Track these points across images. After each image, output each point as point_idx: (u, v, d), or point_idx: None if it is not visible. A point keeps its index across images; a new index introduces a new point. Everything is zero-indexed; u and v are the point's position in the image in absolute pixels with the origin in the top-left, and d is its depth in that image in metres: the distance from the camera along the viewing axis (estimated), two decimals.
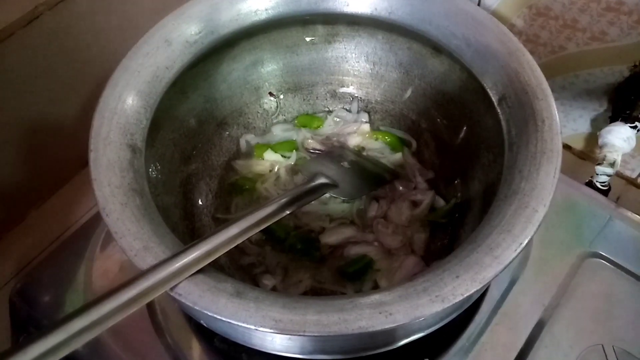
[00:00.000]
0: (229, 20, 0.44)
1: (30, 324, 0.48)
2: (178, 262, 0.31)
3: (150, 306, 0.47)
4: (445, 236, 0.48)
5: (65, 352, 0.26)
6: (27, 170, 0.57)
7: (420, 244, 0.47)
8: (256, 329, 0.29)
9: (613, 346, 0.44)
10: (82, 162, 0.60)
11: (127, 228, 0.32)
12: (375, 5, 0.46)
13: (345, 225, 0.49)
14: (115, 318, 0.28)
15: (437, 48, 0.47)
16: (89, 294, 0.48)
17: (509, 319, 0.45)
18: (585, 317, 0.45)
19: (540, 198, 0.32)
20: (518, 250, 0.31)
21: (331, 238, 0.48)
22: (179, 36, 0.42)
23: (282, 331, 0.29)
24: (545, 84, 0.38)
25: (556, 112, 0.37)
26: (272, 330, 0.29)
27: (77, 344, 0.26)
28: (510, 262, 0.31)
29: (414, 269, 0.44)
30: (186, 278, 0.30)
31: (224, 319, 0.29)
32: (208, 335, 0.45)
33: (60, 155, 0.59)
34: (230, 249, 0.34)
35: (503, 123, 0.39)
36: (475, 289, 0.30)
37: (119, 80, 0.39)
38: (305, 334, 0.28)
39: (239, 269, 0.46)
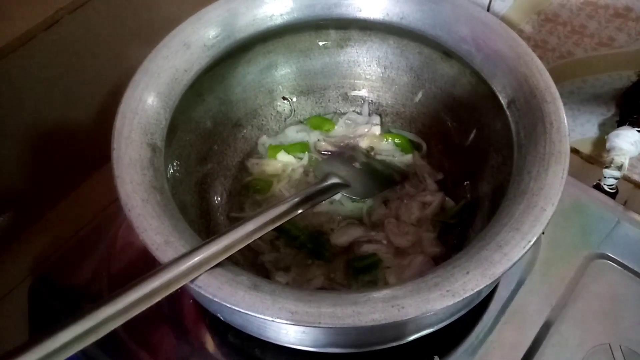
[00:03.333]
0: (245, 24, 0.46)
1: (48, 321, 0.49)
2: (198, 256, 0.32)
3: (164, 301, 0.48)
4: (455, 236, 0.48)
5: (92, 339, 0.27)
6: (44, 170, 0.58)
7: (429, 243, 0.48)
8: (273, 320, 0.30)
9: (620, 345, 0.44)
10: (97, 163, 0.62)
11: (149, 223, 0.33)
12: (387, 10, 0.47)
13: (354, 225, 0.50)
14: (139, 308, 0.29)
15: (447, 53, 0.48)
16: (104, 291, 0.49)
17: (516, 319, 0.46)
18: (593, 317, 0.46)
19: (548, 197, 0.33)
20: (527, 248, 0.32)
21: (341, 239, 0.48)
22: (197, 40, 0.44)
23: (298, 323, 0.30)
24: (553, 88, 0.39)
25: (564, 114, 0.38)
26: (288, 322, 0.30)
27: (103, 332, 0.27)
28: (519, 259, 0.32)
29: (423, 268, 0.45)
30: (205, 271, 0.32)
31: (242, 310, 0.30)
32: (222, 330, 0.46)
33: (76, 156, 0.60)
34: (244, 247, 0.35)
35: (512, 126, 0.40)
36: (484, 285, 0.30)
37: (139, 82, 0.40)
38: (321, 325, 0.29)
39: (253, 265, 0.47)
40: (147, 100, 0.40)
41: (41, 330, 0.49)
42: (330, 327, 0.29)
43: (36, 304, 0.50)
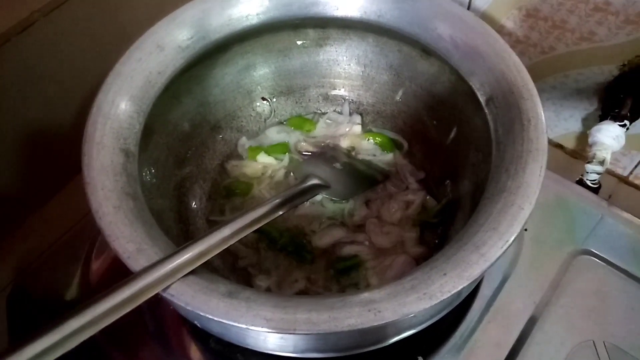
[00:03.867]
0: (220, 25, 0.45)
1: (27, 328, 0.49)
2: (171, 264, 0.31)
3: (145, 308, 0.47)
4: (437, 235, 0.48)
5: (59, 352, 0.26)
6: (24, 176, 0.58)
7: (411, 243, 0.47)
8: (247, 328, 0.29)
9: (604, 342, 0.44)
10: (78, 167, 0.61)
11: (120, 231, 0.33)
12: (365, 8, 0.46)
13: (336, 226, 0.49)
14: (109, 319, 0.28)
15: (426, 50, 0.48)
16: (86, 297, 0.49)
17: (501, 317, 0.46)
18: (577, 314, 0.46)
19: (526, 196, 0.33)
20: (504, 248, 0.31)
21: (322, 241, 0.48)
22: (171, 41, 0.43)
23: (273, 330, 0.29)
24: (531, 84, 0.39)
25: (542, 111, 0.37)
26: (263, 329, 0.29)
27: (71, 345, 0.27)
28: (497, 260, 0.31)
29: (405, 268, 0.45)
30: (179, 279, 0.31)
31: (215, 318, 0.30)
32: (203, 337, 0.45)
33: (57, 161, 0.60)
34: (224, 251, 0.35)
35: (491, 123, 0.39)
36: (462, 286, 0.30)
37: (111, 86, 0.40)
38: (296, 332, 0.29)
39: (234, 270, 0.47)
40: (120, 105, 0.39)
41: (21, 338, 0.49)
42: (306, 334, 0.29)
43: (15, 314, 0.49)
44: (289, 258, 0.48)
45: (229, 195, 0.52)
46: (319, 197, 0.50)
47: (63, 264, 0.52)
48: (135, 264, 0.31)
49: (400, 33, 0.46)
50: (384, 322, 0.29)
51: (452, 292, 0.30)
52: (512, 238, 0.32)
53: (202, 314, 0.30)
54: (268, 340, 0.35)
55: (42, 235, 0.58)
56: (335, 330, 0.29)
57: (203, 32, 0.44)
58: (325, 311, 0.29)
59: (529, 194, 0.33)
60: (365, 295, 0.30)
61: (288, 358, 0.38)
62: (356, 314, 0.29)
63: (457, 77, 0.44)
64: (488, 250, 0.31)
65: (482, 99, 0.41)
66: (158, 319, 0.47)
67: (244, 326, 0.29)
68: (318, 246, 0.48)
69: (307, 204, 0.49)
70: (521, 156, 0.35)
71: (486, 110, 0.40)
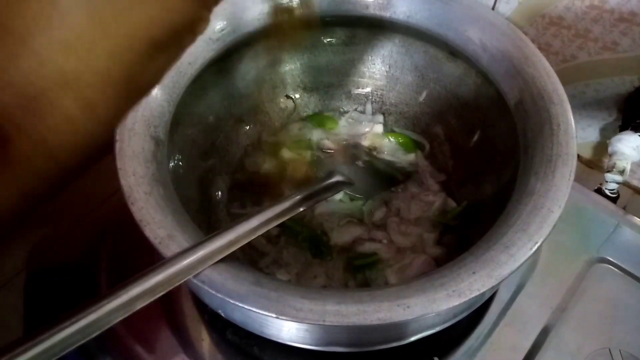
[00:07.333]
0: (251, 19, 0.45)
1: (43, 313, 0.49)
2: (201, 251, 0.31)
3: (162, 298, 0.47)
4: (455, 238, 0.48)
5: (94, 333, 0.27)
6: None
7: (430, 244, 0.47)
8: (277, 317, 0.29)
9: (620, 350, 0.44)
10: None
11: (152, 217, 0.33)
12: (395, 8, 0.47)
13: (354, 224, 0.49)
14: (142, 302, 0.29)
15: (453, 52, 0.48)
16: (103, 282, 0.49)
17: (517, 321, 0.46)
18: (593, 321, 0.46)
19: (555, 199, 0.33)
20: (533, 249, 0.31)
21: (342, 238, 0.48)
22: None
23: (302, 320, 0.29)
24: (561, 89, 0.39)
25: (572, 116, 0.38)
26: (292, 319, 0.29)
27: (106, 325, 0.27)
28: (525, 261, 0.31)
29: (424, 268, 0.45)
30: (209, 266, 0.31)
31: (246, 306, 0.30)
32: (220, 328, 0.46)
33: None
34: (245, 245, 0.35)
35: (519, 127, 0.40)
36: (491, 285, 0.30)
37: None
38: (325, 323, 0.29)
39: (253, 263, 0.47)
40: (151, 93, 0.39)
41: (36, 322, 0.49)
42: (335, 325, 0.29)
43: (32, 297, 0.49)
44: (308, 253, 0.48)
45: (251, 188, 0.52)
46: (338, 195, 0.50)
47: (78, 250, 0.52)
48: (166, 250, 0.31)
49: (429, 34, 0.46)
50: (413, 317, 0.29)
51: (481, 291, 0.30)
52: (542, 240, 0.32)
53: (232, 301, 0.30)
54: (291, 330, 0.35)
55: (59, 222, 0.58)
56: (365, 323, 0.29)
57: (234, 25, 0.45)
58: (354, 304, 0.30)
59: (559, 197, 0.33)
60: (394, 290, 0.31)
61: (304, 351, 0.38)
62: (386, 308, 0.29)
63: (484, 80, 0.45)
64: (517, 251, 0.31)
65: (510, 103, 0.41)
66: (174, 308, 0.47)
67: (274, 315, 0.29)
68: (337, 243, 0.48)
69: (325, 202, 0.49)
70: (550, 160, 0.35)
71: (514, 114, 0.40)
